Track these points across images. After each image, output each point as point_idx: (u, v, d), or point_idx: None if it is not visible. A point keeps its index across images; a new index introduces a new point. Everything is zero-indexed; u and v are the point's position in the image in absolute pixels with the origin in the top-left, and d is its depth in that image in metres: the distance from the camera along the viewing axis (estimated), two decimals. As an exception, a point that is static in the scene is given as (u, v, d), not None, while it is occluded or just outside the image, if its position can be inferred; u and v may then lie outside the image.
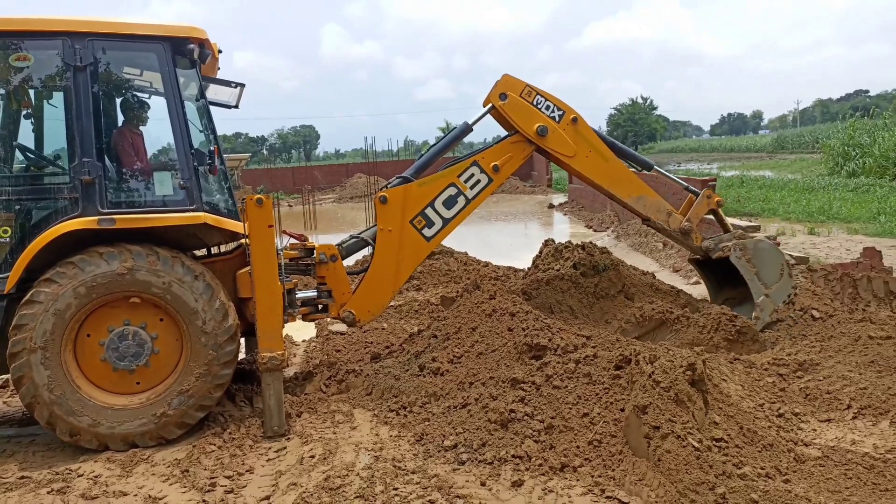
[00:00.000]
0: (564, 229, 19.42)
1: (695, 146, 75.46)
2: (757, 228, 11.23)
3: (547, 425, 4.50)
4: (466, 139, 6.84)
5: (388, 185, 6.08)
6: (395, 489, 4.06)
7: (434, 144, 6.32)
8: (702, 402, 4.22)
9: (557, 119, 6.12)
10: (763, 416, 4.61)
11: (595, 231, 17.71)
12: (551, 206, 25.26)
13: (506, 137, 6.23)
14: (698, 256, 6.96)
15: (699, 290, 9.52)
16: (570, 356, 5.04)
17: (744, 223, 11.57)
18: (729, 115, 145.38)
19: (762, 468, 3.91)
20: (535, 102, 6.09)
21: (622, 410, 4.40)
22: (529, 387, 4.88)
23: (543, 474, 4.13)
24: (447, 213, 6.00)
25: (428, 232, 5.97)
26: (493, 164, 6.08)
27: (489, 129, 6.46)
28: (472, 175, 6.04)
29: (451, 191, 6.00)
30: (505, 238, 18.61)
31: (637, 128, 73.18)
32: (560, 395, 4.74)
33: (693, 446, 3.91)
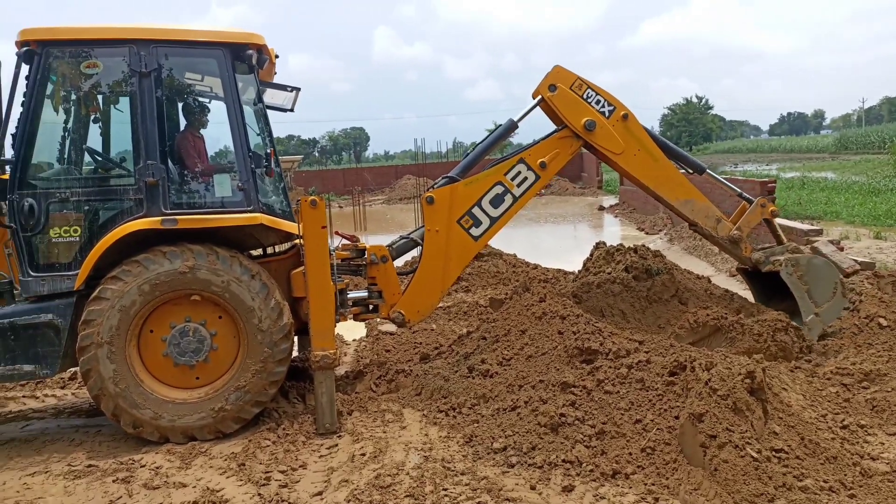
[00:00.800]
0: (615, 232, 19.10)
1: (752, 147, 73.10)
2: (819, 232, 10.80)
3: (598, 430, 4.44)
4: (514, 139, 6.79)
5: (435, 186, 6.10)
6: (445, 490, 4.08)
7: (479, 143, 6.29)
8: (761, 412, 4.09)
9: (607, 114, 6.00)
10: (826, 428, 4.44)
11: (647, 234, 17.37)
12: (601, 208, 24.90)
13: (553, 133, 6.13)
14: (747, 267, 6.72)
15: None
16: (622, 361, 4.96)
17: (805, 226, 11.15)
18: (789, 114, 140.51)
19: (825, 481, 3.77)
20: (585, 96, 5.98)
21: (677, 418, 4.31)
22: (580, 391, 4.82)
23: (594, 480, 4.08)
24: (494, 212, 5.96)
25: (475, 231, 5.95)
26: (539, 160, 6.00)
27: (536, 130, 6.35)
28: (519, 173, 5.98)
29: (498, 189, 5.95)
30: (554, 240, 18.44)
31: (692, 128, 71.38)
32: (612, 401, 4.67)
33: (752, 456, 3.80)
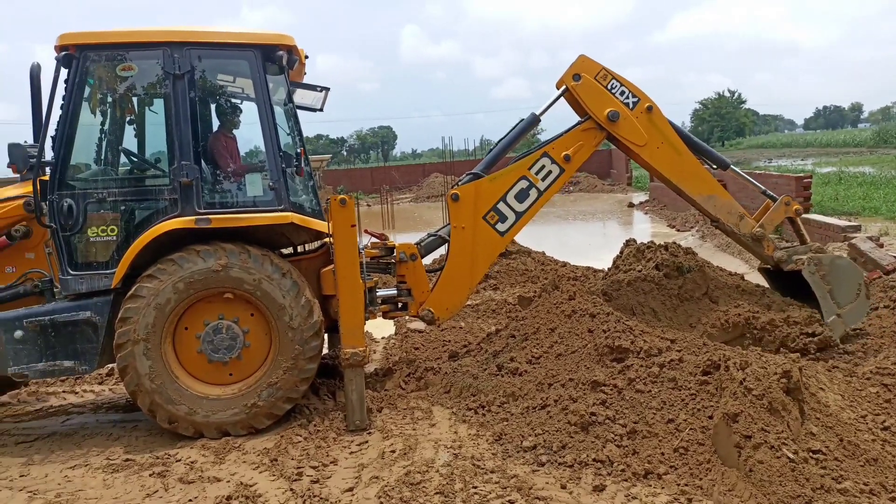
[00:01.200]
0: (645, 229, 18.87)
1: (787, 141, 71.42)
2: (857, 228, 10.52)
3: (630, 430, 4.40)
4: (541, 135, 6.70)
5: (460, 183, 6.09)
6: (475, 487, 4.08)
7: (502, 138, 6.25)
8: (797, 412, 4.01)
9: (631, 106, 5.92)
10: (866, 429, 4.32)
11: (678, 230, 17.12)
12: (631, 205, 24.62)
13: (576, 125, 6.07)
14: (768, 266, 6.58)
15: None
16: (653, 360, 4.90)
17: (843, 223, 10.88)
18: (824, 107, 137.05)
19: (865, 484, 3.67)
20: (609, 87, 5.91)
21: (710, 418, 4.25)
22: (611, 390, 4.78)
23: (626, 480, 4.04)
24: (520, 207, 5.94)
25: (501, 227, 5.94)
26: (564, 153, 5.96)
27: (560, 125, 6.25)
28: (543, 166, 5.95)
29: (523, 184, 5.93)
30: (583, 237, 18.29)
31: (724, 123, 70.09)
32: (643, 400, 4.62)
33: (788, 457, 3.73)
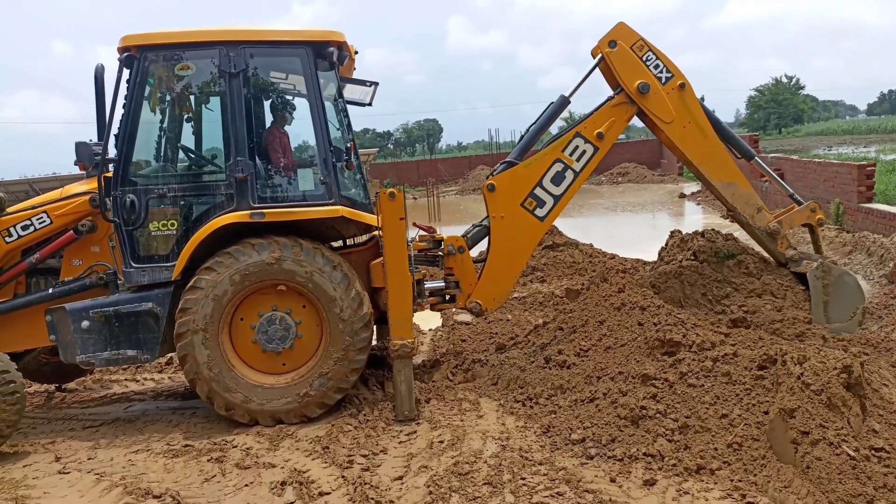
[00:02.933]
0: (697, 220, 18.41)
1: (848, 128, 68.32)
2: (925, 218, 10.03)
3: (681, 424, 4.34)
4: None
5: (494, 173, 6.07)
6: (523, 479, 4.10)
7: (533, 124, 6.18)
8: (858, 408, 3.88)
9: (664, 81, 5.79)
10: (933, 428, 4.15)
11: (732, 221, 16.63)
12: (682, 196, 24.02)
13: (606, 101, 5.96)
14: (779, 262, 6.32)
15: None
16: (706, 354, 4.81)
17: (908, 213, 10.38)
18: (890, 91, 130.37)
19: (932, 484, 3.53)
20: (644, 58, 5.78)
21: (766, 413, 4.15)
22: (662, 384, 4.72)
23: (678, 475, 3.99)
24: (557, 191, 5.89)
25: (540, 212, 5.90)
26: (596, 131, 5.87)
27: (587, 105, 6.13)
28: (577, 147, 5.86)
29: (558, 167, 5.87)
30: (632, 229, 17.97)
31: (781, 109, 67.54)
32: (696, 394, 4.54)
33: (848, 455, 3.62)
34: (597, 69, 6.04)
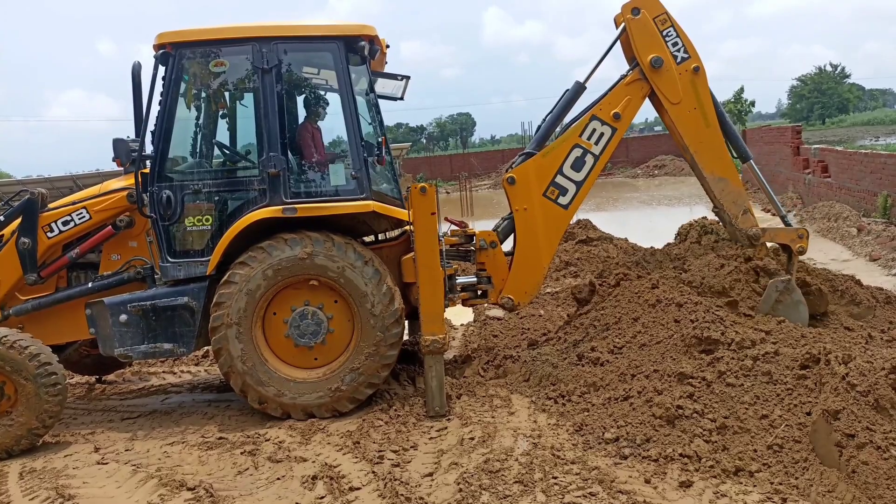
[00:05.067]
0: (736, 214, 17.95)
1: (897, 117, 65.93)
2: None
3: (719, 425, 4.21)
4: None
5: (513, 165, 5.97)
6: (555, 478, 4.03)
7: (549, 112, 6.04)
8: (908, 411, 3.71)
9: (679, 60, 5.61)
10: None
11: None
12: (721, 189, 23.45)
13: (620, 80, 5.80)
14: None
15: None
16: (746, 352, 4.66)
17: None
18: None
19: None
20: (664, 32, 5.60)
21: (808, 414, 4.01)
22: (699, 382, 4.59)
23: (715, 477, 3.88)
24: (578, 177, 5.78)
25: (563, 200, 5.81)
26: (612, 112, 5.73)
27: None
28: (594, 130, 5.74)
29: (577, 152, 5.76)
30: (669, 223, 17.62)
31: (825, 99, 65.51)
32: (734, 394, 4.41)
33: (897, 460, 3.46)
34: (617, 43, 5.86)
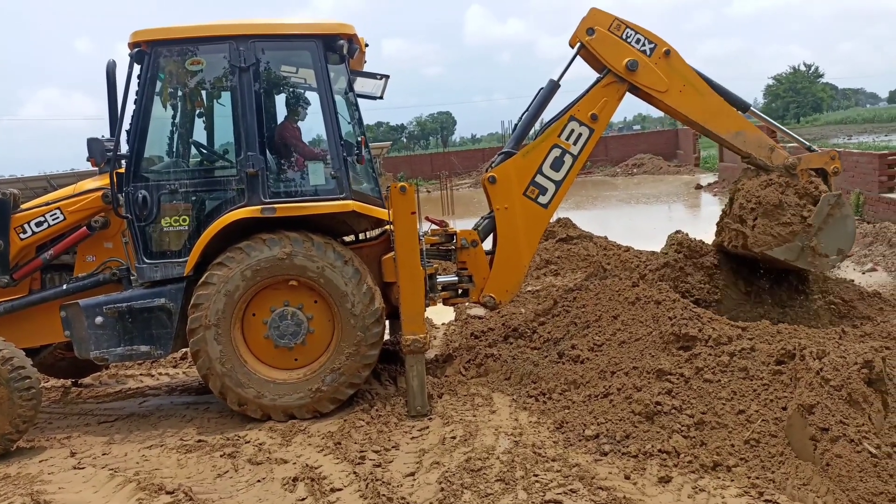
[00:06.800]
0: (714, 212, 18.14)
1: (869, 116, 67.05)
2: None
3: (697, 420, 4.27)
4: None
5: (493, 165, 6.06)
6: (536, 475, 4.05)
7: (525, 111, 6.15)
8: (880, 404, 3.79)
9: (649, 52, 5.81)
10: (957, 424, 4.04)
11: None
12: (699, 187, 23.76)
13: (596, 82, 5.95)
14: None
15: (874, 278, 8.55)
16: (723, 348, 4.73)
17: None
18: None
19: (956, 483, 3.44)
20: (624, 36, 5.81)
21: (784, 409, 4.08)
22: (677, 379, 4.65)
23: (693, 472, 3.93)
24: (557, 176, 5.92)
25: (543, 199, 5.93)
26: (590, 113, 5.90)
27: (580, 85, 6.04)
28: (572, 131, 5.90)
29: (556, 152, 5.90)
30: (648, 221, 17.79)
31: (799, 98, 66.55)
32: (712, 390, 4.47)
33: (869, 452, 3.54)
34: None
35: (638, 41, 5.79)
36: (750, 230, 5.74)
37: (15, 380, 4.89)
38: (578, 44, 5.85)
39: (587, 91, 5.96)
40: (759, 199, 5.72)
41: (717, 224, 6.53)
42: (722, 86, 6.13)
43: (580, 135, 5.89)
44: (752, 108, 6.19)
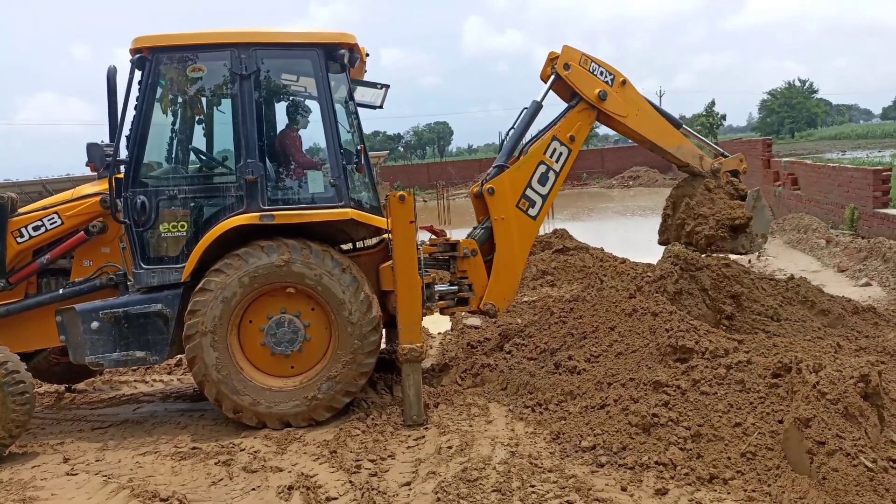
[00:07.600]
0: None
1: (863, 132, 67.60)
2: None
3: (694, 433, 4.27)
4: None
5: (488, 177, 6.29)
6: (532, 486, 4.04)
7: (511, 128, 6.58)
8: (876, 418, 3.80)
9: (611, 83, 6.37)
10: (952, 439, 4.06)
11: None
12: (694, 200, 23.82)
13: (571, 108, 6.43)
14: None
15: (869, 293, 8.59)
16: (719, 361, 4.74)
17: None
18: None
19: (952, 498, 3.45)
20: (591, 69, 6.34)
21: (780, 422, 4.08)
22: (674, 391, 4.65)
23: (690, 484, 3.92)
24: (543, 190, 6.32)
25: (532, 212, 6.28)
26: (569, 135, 6.39)
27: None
28: (555, 149, 6.36)
29: (542, 168, 6.31)
30: (643, 233, 17.85)
31: (794, 114, 67.10)
32: (708, 402, 4.47)
33: (866, 466, 3.55)
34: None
35: (601, 73, 6.38)
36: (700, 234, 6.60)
37: (9, 384, 4.86)
38: (553, 75, 6.37)
39: (564, 114, 6.47)
40: (700, 213, 6.59)
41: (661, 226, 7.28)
42: (661, 108, 6.89)
43: (561, 153, 6.38)
44: (682, 126, 6.94)
